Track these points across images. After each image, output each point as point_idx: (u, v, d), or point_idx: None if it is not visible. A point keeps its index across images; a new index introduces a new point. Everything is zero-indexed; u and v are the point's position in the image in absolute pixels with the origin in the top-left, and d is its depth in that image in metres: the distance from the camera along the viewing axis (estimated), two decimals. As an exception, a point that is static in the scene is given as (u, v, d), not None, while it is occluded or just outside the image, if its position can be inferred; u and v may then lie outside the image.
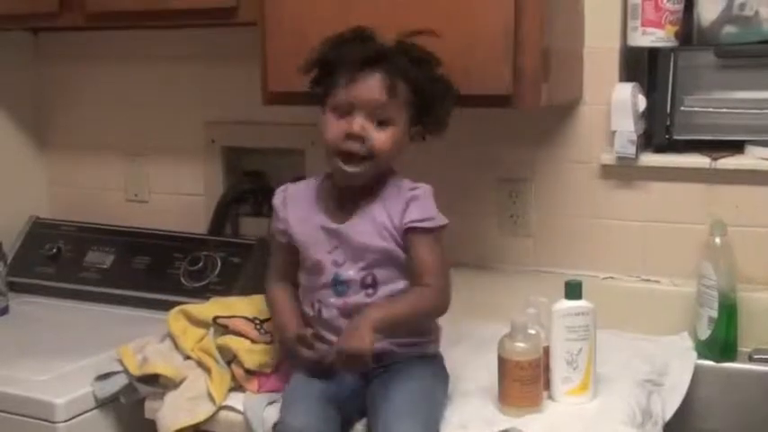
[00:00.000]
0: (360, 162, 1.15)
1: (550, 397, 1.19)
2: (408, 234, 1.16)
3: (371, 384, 1.18)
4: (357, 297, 1.17)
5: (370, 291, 1.17)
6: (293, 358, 1.19)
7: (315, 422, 1.10)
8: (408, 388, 1.13)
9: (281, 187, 1.27)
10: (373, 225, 1.17)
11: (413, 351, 1.20)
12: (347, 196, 1.20)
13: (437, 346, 1.25)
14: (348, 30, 1.20)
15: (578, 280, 1.20)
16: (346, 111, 1.15)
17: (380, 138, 1.15)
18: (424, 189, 1.19)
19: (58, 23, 1.62)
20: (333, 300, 1.18)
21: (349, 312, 1.17)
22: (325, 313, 1.19)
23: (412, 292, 1.16)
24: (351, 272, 1.17)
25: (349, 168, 1.15)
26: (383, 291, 1.17)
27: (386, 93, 1.14)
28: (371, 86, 1.14)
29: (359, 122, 1.14)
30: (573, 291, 1.19)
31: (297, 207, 1.23)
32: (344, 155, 1.15)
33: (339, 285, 1.17)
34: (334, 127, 1.15)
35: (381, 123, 1.15)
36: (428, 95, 1.18)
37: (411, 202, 1.17)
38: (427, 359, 1.22)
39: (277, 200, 1.25)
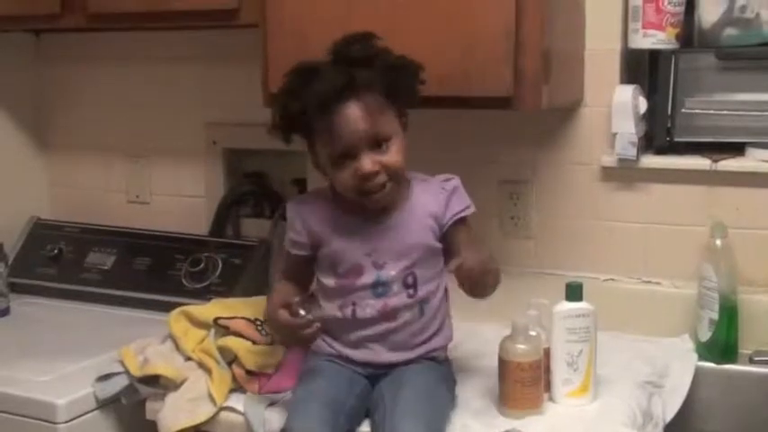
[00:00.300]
0: (383, 187, 1.15)
1: (551, 398, 1.19)
2: (454, 225, 1.19)
3: (378, 386, 1.18)
4: (398, 298, 1.17)
5: (411, 291, 1.18)
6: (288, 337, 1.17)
7: (322, 429, 1.09)
8: (414, 390, 1.13)
9: (293, 200, 1.25)
10: (415, 222, 1.18)
11: (419, 352, 1.20)
12: None
13: (446, 353, 1.26)
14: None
15: (579, 282, 1.20)
16: (348, 156, 1.13)
17: (391, 158, 1.14)
18: (457, 179, 1.22)
19: (60, 25, 1.62)
20: (371, 301, 1.17)
21: (388, 314, 1.17)
22: (360, 314, 1.18)
23: None
24: (393, 272, 1.17)
25: (377, 197, 1.16)
26: (422, 290, 1.18)
27: (370, 116, 1.12)
28: (356, 120, 1.11)
29: (367, 162, 1.12)
30: (574, 292, 1.19)
31: (319, 216, 1.21)
32: (368, 192, 1.15)
33: (380, 287, 1.17)
34: (346, 175, 1.13)
35: (382, 142, 1.14)
36: (399, 86, 1.16)
37: (453, 195, 1.20)
38: (435, 363, 1.22)
39: (292, 212, 1.22)
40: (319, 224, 1.20)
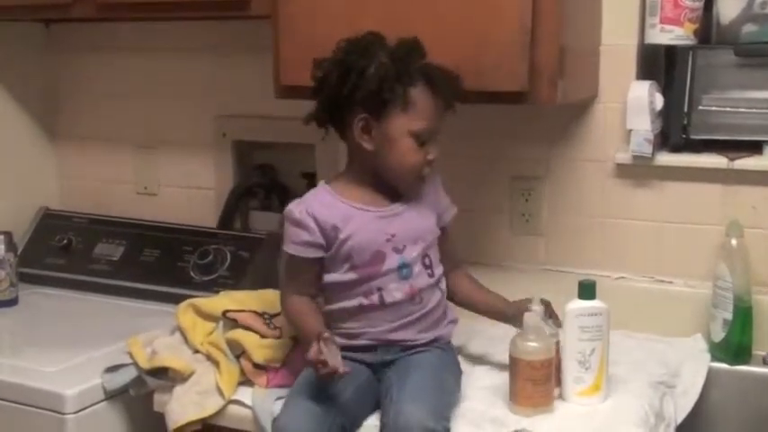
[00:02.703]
0: (426, 180, 1.23)
1: (562, 397, 1.18)
2: (447, 221, 1.29)
3: (387, 375, 1.18)
4: (421, 279, 1.21)
5: (429, 271, 1.23)
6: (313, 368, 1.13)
7: (311, 424, 1.09)
8: (421, 375, 1.15)
9: (296, 202, 1.23)
10: (422, 208, 1.24)
11: (427, 336, 1.22)
12: (383, 188, 1.22)
13: (450, 334, 1.27)
14: (398, 43, 1.18)
15: (592, 280, 1.19)
16: (427, 138, 1.18)
17: (438, 155, 1.22)
18: (438, 176, 1.28)
19: (70, 15, 1.62)
20: (398, 284, 1.20)
21: (414, 295, 1.20)
22: (389, 298, 1.19)
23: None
24: (414, 254, 1.21)
25: (423, 183, 1.23)
26: (437, 271, 1.24)
27: (444, 119, 1.21)
28: (442, 116, 1.20)
29: (436, 152, 1.20)
30: (586, 291, 1.18)
31: (330, 211, 1.20)
32: (421, 178, 1.22)
33: (405, 269, 1.20)
34: (416, 155, 1.19)
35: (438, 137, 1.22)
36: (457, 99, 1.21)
37: (442, 189, 1.28)
38: (441, 350, 1.23)
39: (299, 214, 1.20)
40: (333, 219, 1.20)
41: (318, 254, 1.21)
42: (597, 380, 1.17)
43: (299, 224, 1.20)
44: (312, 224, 1.20)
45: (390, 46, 1.18)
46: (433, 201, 1.26)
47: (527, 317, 1.16)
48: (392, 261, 1.19)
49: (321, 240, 1.20)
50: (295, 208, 1.21)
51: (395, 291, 1.19)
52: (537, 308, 1.19)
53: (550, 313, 1.22)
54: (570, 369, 1.17)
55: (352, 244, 1.19)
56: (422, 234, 1.22)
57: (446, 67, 1.19)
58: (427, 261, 1.22)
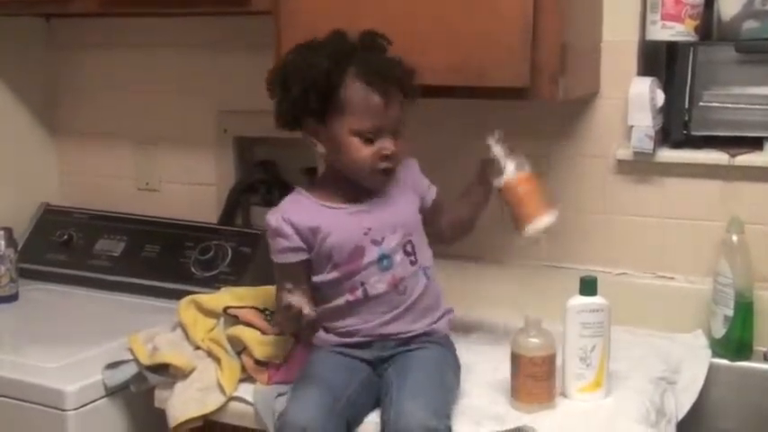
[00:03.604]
0: (392, 171, 1.21)
1: (563, 393, 1.18)
2: (431, 200, 1.28)
3: (386, 372, 1.18)
4: (403, 267, 1.21)
5: (412, 258, 1.22)
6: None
7: (320, 418, 1.10)
8: (422, 373, 1.15)
9: (272, 211, 1.24)
10: (399, 196, 1.23)
11: (421, 326, 1.22)
12: (356, 185, 1.22)
13: (447, 327, 1.26)
14: (329, 38, 1.19)
15: (593, 276, 1.19)
16: (375, 134, 1.17)
17: (401, 147, 1.20)
18: (414, 160, 1.29)
19: (71, 9, 1.62)
20: (379, 276, 1.20)
21: (397, 285, 1.20)
22: (372, 291, 1.20)
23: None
24: (393, 243, 1.21)
25: (386, 179, 1.22)
26: (421, 257, 1.23)
27: (400, 105, 1.18)
28: (394, 104, 1.17)
29: (390, 145, 1.18)
30: (588, 287, 1.18)
31: (304, 214, 1.22)
32: (381, 173, 1.20)
33: (385, 260, 1.20)
34: (365, 151, 1.18)
35: (398, 131, 1.20)
36: (414, 89, 1.20)
37: (419, 172, 1.28)
38: (440, 346, 1.23)
39: (276, 222, 1.21)
40: (308, 221, 1.21)
41: (303, 256, 1.22)
42: (598, 376, 1.17)
43: (277, 232, 1.21)
44: (289, 230, 1.21)
45: (339, 44, 1.18)
46: (411, 186, 1.26)
47: (528, 313, 1.16)
48: (372, 254, 1.19)
49: (300, 243, 1.21)
50: (271, 217, 1.23)
51: (377, 283, 1.19)
52: (497, 148, 1.22)
53: (508, 148, 1.24)
54: (571, 366, 1.17)
55: (331, 242, 1.20)
56: (400, 222, 1.22)
57: (391, 59, 1.18)
58: (409, 248, 1.22)
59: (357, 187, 1.22)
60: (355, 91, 1.16)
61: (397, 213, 1.23)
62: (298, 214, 1.21)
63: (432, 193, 1.29)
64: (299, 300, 1.15)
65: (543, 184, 1.20)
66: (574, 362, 1.17)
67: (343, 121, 1.17)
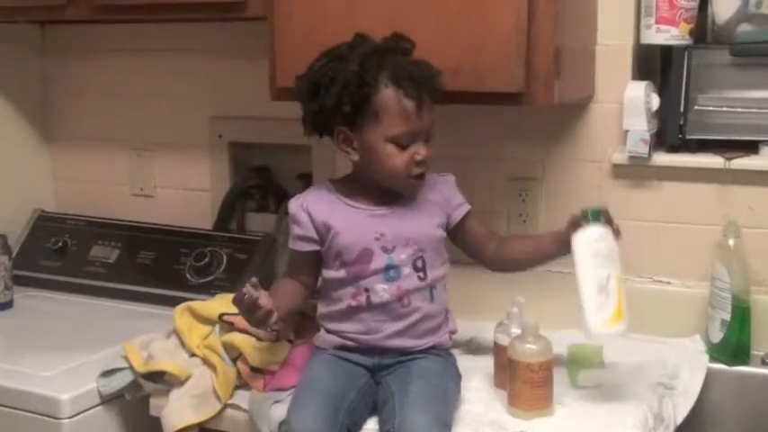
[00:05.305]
0: (424, 177, 1.21)
1: (588, 333, 1.14)
2: (466, 216, 1.26)
3: (385, 380, 1.18)
4: (410, 281, 1.19)
5: (421, 274, 1.20)
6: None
7: (322, 427, 1.09)
8: (424, 383, 1.15)
9: (296, 197, 1.25)
10: (420, 211, 1.22)
11: (424, 343, 1.21)
12: (384, 188, 1.22)
13: (450, 341, 1.26)
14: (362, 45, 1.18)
15: (597, 207, 1.17)
16: (409, 139, 1.17)
17: (431, 152, 1.20)
18: (452, 176, 1.28)
19: (65, 16, 1.61)
20: (384, 285, 1.19)
21: (402, 297, 1.18)
22: (375, 299, 1.19)
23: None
24: (403, 256, 1.19)
25: (419, 183, 1.21)
26: (431, 275, 1.21)
27: (431, 111, 1.18)
28: (428, 110, 1.18)
29: (424, 150, 1.18)
30: (594, 215, 1.16)
31: (323, 207, 1.21)
32: (415, 178, 1.20)
33: (392, 270, 1.18)
34: (400, 158, 1.18)
35: (430, 138, 1.20)
36: (440, 95, 1.20)
37: (452, 189, 1.27)
38: (441, 357, 1.22)
39: (295, 208, 1.22)
40: (325, 215, 1.21)
41: (312, 247, 1.21)
42: (619, 305, 1.14)
43: (294, 219, 1.23)
44: (305, 218, 1.21)
45: (367, 49, 1.17)
46: (441, 202, 1.24)
47: (526, 319, 1.15)
48: (379, 261, 1.18)
49: (313, 234, 1.21)
50: (293, 202, 1.24)
51: (381, 291, 1.19)
52: (514, 309, 1.19)
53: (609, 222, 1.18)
54: (590, 301, 1.13)
55: (342, 240, 1.19)
56: (414, 236, 1.20)
57: (420, 62, 1.18)
58: (419, 264, 1.20)
59: (382, 190, 1.22)
60: (389, 97, 1.15)
61: (413, 227, 1.21)
62: (316, 205, 1.22)
63: (460, 211, 1.26)
64: (267, 300, 1.12)
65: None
66: (593, 296, 1.13)
67: (378, 128, 1.16)
